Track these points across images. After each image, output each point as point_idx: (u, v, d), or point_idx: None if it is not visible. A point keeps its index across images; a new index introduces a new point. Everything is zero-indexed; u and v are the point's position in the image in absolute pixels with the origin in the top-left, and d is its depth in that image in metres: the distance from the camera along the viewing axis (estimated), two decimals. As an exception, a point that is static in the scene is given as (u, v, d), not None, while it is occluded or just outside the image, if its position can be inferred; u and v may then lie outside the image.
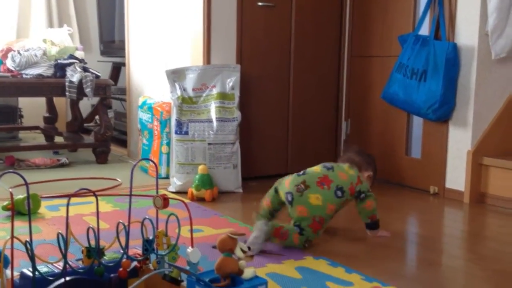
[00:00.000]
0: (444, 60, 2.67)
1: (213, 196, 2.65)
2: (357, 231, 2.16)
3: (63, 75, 3.46)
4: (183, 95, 2.88)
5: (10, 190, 1.33)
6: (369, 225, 2.10)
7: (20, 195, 2.21)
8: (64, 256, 1.31)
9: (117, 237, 1.41)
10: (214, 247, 1.55)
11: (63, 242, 1.30)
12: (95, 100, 3.72)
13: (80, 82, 3.36)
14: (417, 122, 3.02)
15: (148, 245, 1.43)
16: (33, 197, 2.24)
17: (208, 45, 2.95)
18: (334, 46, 3.36)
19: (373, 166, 2.24)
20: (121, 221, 1.41)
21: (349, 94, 3.37)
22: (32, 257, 1.26)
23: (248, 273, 1.33)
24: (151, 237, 1.44)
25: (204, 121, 2.81)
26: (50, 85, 3.44)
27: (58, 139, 3.93)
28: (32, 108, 4.42)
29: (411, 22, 2.97)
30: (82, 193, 1.41)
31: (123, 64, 3.97)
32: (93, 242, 1.38)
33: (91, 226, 1.37)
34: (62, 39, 3.84)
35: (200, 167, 2.68)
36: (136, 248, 1.56)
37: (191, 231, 1.39)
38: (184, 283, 1.35)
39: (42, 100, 4.19)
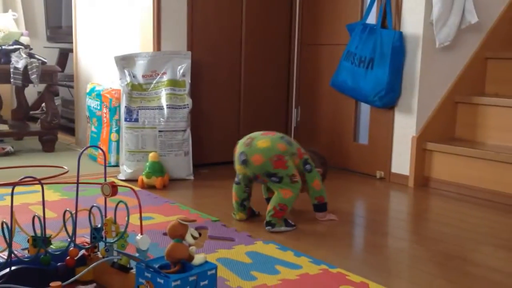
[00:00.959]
0: (390, 48, 2.74)
1: (164, 183, 2.64)
2: (306, 215, 2.20)
3: (8, 62, 3.36)
4: (133, 81, 2.85)
5: (-49, 179, 1.30)
6: (317, 207, 2.15)
7: (-38, 185, 2.14)
8: (9, 245, 1.28)
9: (64, 225, 1.39)
10: (165, 233, 1.55)
11: (8, 231, 1.28)
12: (42, 87, 3.63)
13: (26, 68, 3.27)
14: (365, 109, 3.09)
15: (96, 233, 1.42)
16: (-24, 186, 2.17)
17: (158, 31, 2.92)
18: (285, 34, 3.38)
19: (325, 167, 2.29)
20: (68, 209, 1.40)
21: (300, 82, 3.41)
22: (-25, 247, 1.23)
23: (198, 259, 1.34)
24: (99, 225, 1.43)
25: (154, 108, 2.79)
26: (-6, 72, 3.33)
27: (3, 127, 3.81)
28: (-25, 95, 4.26)
29: (359, 11, 3.03)
30: (27, 181, 1.39)
31: (71, 50, 3.88)
32: (39, 231, 1.36)
33: (36, 214, 1.35)
34: (7, 24, 3.73)
35: (151, 155, 2.67)
36: (84, 237, 1.54)
37: (140, 218, 1.39)
38: (133, 271, 1.35)
39: (-15, 87, 4.05)
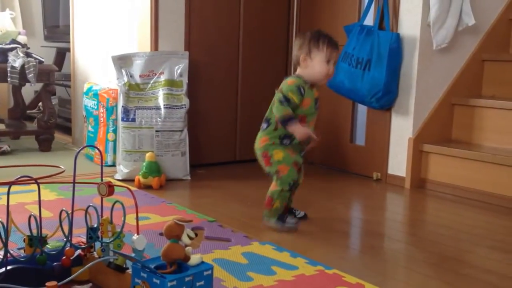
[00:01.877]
0: (387, 49, 2.74)
1: (161, 183, 2.63)
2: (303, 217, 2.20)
3: (5, 60, 3.35)
4: (130, 81, 2.84)
5: None
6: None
7: (-42, 184, 2.13)
8: (5, 245, 1.28)
9: (60, 225, 1.39)
10: (161, 234, 1.55)
11: (4, 230, 1.27)
12: (38, 86, 3.62)
13: (23, 67, 3.26)
14: (362, 110, 3.10)
15: (92, 233, 1.42)
16: (-28, 185, 2.17)
17: (156, 31, 2.92)
18: (283, 35, 3.38)
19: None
20: (64, 208, 1.40)
21: (297, 82, 3.40)
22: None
23: (194, 259, 1.34)
24: (95, 225, 1.43)
25: (151, 108, 2.78)
26: (-9, 71, 3.33)
27: (0, 126, 3.81)
28: (-29, 94, 4.26)
29: (356, 12, 3.03)
30: (23, 180, 1.38)
31: (68, 50, 3.87)
32: (35, 231, 1.36)
33: (32, 214, 1.35)
34: (4, 23, 3.72)
35: (148, 155, 2.67)
36: (80, 237, 1.54)
37: (137, 218, 1.39)
38: (129, 271, 1.35)
39: (-18, 86, 4.05)
